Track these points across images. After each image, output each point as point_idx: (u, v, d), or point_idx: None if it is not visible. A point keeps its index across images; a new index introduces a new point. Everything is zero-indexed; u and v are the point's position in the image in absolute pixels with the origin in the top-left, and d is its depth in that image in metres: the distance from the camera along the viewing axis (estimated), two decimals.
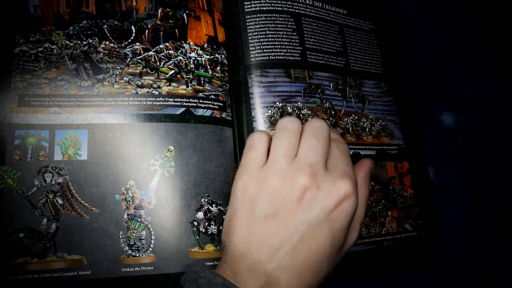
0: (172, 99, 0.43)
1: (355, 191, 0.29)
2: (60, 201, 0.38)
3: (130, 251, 0.38)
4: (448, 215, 0.53)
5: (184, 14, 0.47)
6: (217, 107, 0.45)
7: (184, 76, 0.45)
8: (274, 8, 0.50)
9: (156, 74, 0.44)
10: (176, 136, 0.42)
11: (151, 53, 0.44)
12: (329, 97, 0.49)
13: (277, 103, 0.46)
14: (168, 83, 0.44)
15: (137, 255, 0.38)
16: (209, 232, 0.41)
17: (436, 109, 0.58)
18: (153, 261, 0.38)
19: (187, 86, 0.44)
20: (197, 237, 0.40)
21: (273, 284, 0.27)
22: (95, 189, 0.39)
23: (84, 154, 0.39)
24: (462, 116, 0.58)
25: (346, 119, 0.50)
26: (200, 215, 0.41)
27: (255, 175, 0.29)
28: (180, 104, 0.43)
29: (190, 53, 0.46)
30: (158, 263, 0.38)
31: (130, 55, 0.44)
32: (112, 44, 0.44)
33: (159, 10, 0.46)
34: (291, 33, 0.49)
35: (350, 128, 0.50)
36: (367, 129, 0.51)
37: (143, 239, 0.39)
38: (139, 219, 0.39)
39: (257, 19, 0.49)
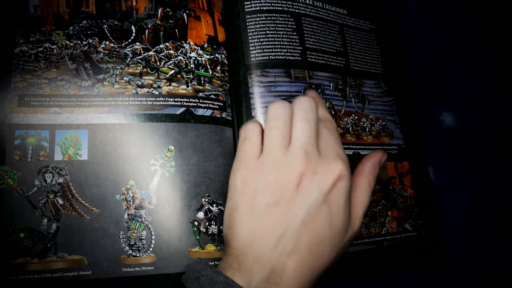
0: (172, 99, 0.43)
1: (348, 171, 0.30)
2: (60, 201, 0.38)
3: (130, 251, 0.38)
4: (448, 215, 0.53)
5: (184, 14, 0.47)
6: (217, 107, 0.45)
7: (184, 76, 0.45)
8: (274, 8, 0.50)
9: (156, 74, 0.44)
10: (176, 136, 0.42)
11: (151, 53, 0.44)
12: (329, 97, 0.49)
13: None
14: (168, 83, 0.44)
15: (138, 255, 0.38)
16: (210, 232, 0.41)
17: (436, 109, 0.58)
18: (154, 261, 0.38)
19: (187, 86, 0.44)
20: (198, 237, 0.40)
21: (278, 271, 0.27)
22: (95, 189, 0.39)
23: (85, 154, 0.39)
24: (462, 116, 0.58)
25: (346, 119, 0.50)
26: (201, 215, 0.41)
27: (253, 167, 0.30)
28: (180, 104, 0.43)
29: (190, 53, 0.46)
30: (159, 263, 0.38)
31: (130, 55, 0.44)
32: (112, 44, 0.44)
33: (159, 10, 0.46)
34: (291, 33, 0.49)
35: (350, 128, 0.50)
36: (367, 129, 0.51)
37: (143, 239, 0.39)
38: (139, 219, 0.39)
39: (257, 19, 0.49)
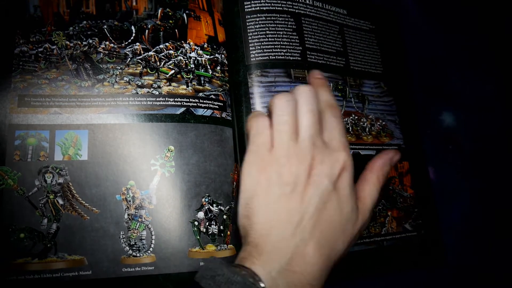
0: (172, 99, 0.43)
1: (351, 161, 0.32)
2: (60, 202, 0.38)
3: (130, 251, 0.38)
4: (448, 215, 0.53)
5: (184, 14, 0.47)
6: (217, 107, 0.45)
7: (184, 76, 0.45)
8: (274, 8, 0.50)
9: (156, 74, 0.44)
10: (176, 136, 0.42)
11: (151, 53, 0.44)
12: None
13: None
14: (168, 83, 0.44)
15: (138, 255, 0.38)
16: (210, 232, 0.41)
17: (436, 109, 0.58)
18: (154, 261, 0.38)
19: (187, 86, 0.44)
20: (198, 237, 0.40)
21: (298, 258, 0.28)
22: (95, 189, 0.39)
23: (85, 154, 0.39)
24: (462, 116, 0.58)
25: (346, 119, 0.50)
26: (201, 215, 0.41)
27: (267, 160, 0.31)
28: (180, 104, 0.43)
29: (190, 53, 0.46)
30: (159, 263, 0.38)
31: (130, 55, 0.44)
32: (112, 44, 0.44)
33: (159, 10, 0.46)
34: (291, 33, 0.49)
35: (350, 128, 0.50)
36: (367, 129, 0.51)
37: (143, 239, 0.39)
38: (139, 219, 0.39)
39: (257, 19, 0.49)
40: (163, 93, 0.43)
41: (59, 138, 0.39)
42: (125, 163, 0.40)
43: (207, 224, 0.41)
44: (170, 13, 0.46)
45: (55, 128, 0.39)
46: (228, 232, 0.41)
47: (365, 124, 0.51)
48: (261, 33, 0.48)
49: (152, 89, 0.43)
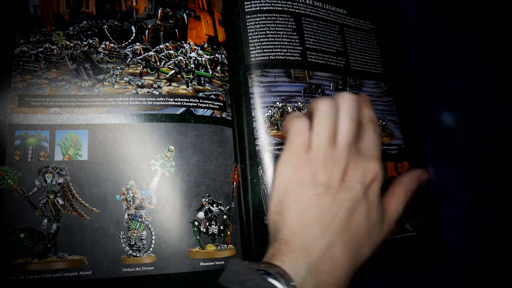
0: (173, 99, 0.43)
1: (382, 173, 0.33)
2: (60, 202, 0.38)
3: (130, 251, 0.38)
4: (448, 215, 0.53)
5: (184, 14, 0.47)
6: (217, 107, 0.45)
7: (185, 76, 0.45)
8: (274, 8, 0.50)
9: (156, 74, 0.44)
10: (176, 136, 0.42)
11: (151, 53, 0.44)
12: None
13: (277, 103, 0.46)
14: (168, 83, 0.44)
15: (138, 255, 0.38)
16: (210, 232, 0.41)
17: (436, 109, 0.58)
18: (154, 261, 0.38)
19: (188, 86, 0.44)
20: (198, 237, 0.40)
21: (326, 258, 0.29)
22: (95, 189, 0.39)
23: (85, 154, 0.39)
24: (462, 116, 0.58)
25: None
26: (201, 215, 0.41)
27: (303, 160, 0.32)
28: (180, 104, 0.43)
29: (190, 53, 0.46)
30: (159, 263, 0.38)
31: (130, 55, 0.44)
32: (112, 44, 0.44)
33: (159, 10, 0.46)
34: (291, 33, 0.49)
35: None
36: None
37: (143, 239, 0.39)
38: (139, 219, 0.39)
39: (257, 19, 0.49)
40: (163, 93, 0.43)
41: (59, 138, 0.39)
42: (125, 163, 0.40)
43: (207, 224, 0.41)
44: (170, 13, 0.46)
45: (55, 128, 0.39)
46: (228, 232, 0.41)
47: None
48: (261, 33, 0.48)
49: (152, 89, 0.43)
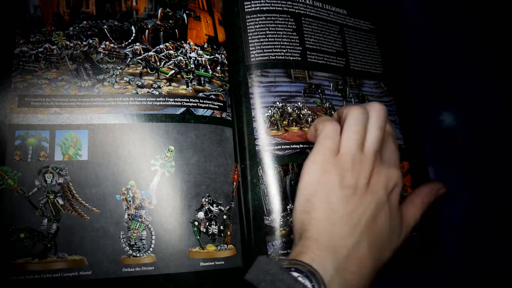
0: (173, 99, 0.43)
1: (402, 180, 0.35)
2: (60, 202, 0.38)
3: (130, 251, 0.38)
4: (448, 215, 0.53)
5: (184, 14, 0.47)
6: (217, 107, 0.45)
7: (184, 76, 0.45)
8: (274, 8, 0.50)
9: (156, 74, 0.44)
10: (176, 136, 0.42)
11: (151, 53, 0.44)
12: (329, 97, 0.49)
13: (277, 103, 0.46)
14: (168, 83, 0.44)
15: (138, 255, 0.38)
16: (210, 232, 0.41)
17: (436, 109, 0.58)
18: (154, 261, 0.38)
19: (187, 86, 0.44)
20: (198, 237, 0.40)
21: (353, 258, 0.30)
22: (95, 189, 0.39)
23: (85, 155, 0.39)
24: (462, 116, 0.58)
25: None
26: (201, 215, 0.41)
27: (332, 162, 0.33)
28: (180, 104, 0.43)
29: (190, 53, 0.46)
30: (159, 263, 0.38)
31: (130, 55, 0.44)
32: (112, 45, 0.44)
33: (159, 10, 0.46)
34: (291, 33, 0.49)
35: None
36: None
37: (143, 239, 0.39)
38: (139, 219, 0.39)
39: (257, 19, 0.49)
40: (163, 93, 0.43)
41: (59, 138, 0.39)
42: (125, 163, 0.40)
43: (207, 224, 0.41)
44: (170, 13, 0.46)
45: (55, 128, 0.39)
46: (228, 232, 0.41)
47: None
48: (261, 33, 0.48)
49: (152, 89, 0.43)
